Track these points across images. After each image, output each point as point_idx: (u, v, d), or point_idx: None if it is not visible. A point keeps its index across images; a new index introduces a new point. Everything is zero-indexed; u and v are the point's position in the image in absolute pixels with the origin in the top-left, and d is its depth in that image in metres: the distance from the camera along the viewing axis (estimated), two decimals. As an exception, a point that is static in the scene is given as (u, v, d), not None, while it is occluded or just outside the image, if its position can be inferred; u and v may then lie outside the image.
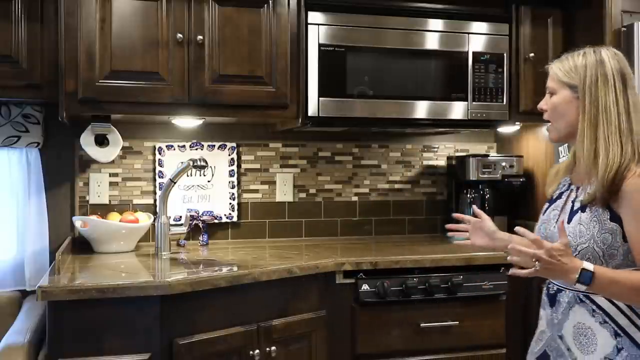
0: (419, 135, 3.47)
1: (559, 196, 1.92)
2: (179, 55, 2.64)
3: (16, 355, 2.08)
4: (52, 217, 2.90)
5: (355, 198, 3.39)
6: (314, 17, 2.81)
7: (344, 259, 2.61)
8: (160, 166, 3.08)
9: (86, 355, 2.05)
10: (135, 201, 3.07)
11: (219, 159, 3.17)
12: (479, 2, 3.03)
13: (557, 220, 1.85)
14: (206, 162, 2.76)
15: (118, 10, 2.56)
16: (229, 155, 3.19)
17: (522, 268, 1.69)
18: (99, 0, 2.54)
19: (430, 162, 3.51)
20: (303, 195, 3.32)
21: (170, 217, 2.91)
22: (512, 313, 2.80)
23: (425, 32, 2.95)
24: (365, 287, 2.59)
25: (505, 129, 3.39)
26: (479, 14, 3.03)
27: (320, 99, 2.81)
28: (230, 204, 3.18)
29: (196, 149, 3.14)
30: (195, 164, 2.72)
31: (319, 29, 2.81)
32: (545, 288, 1.94)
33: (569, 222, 1.80)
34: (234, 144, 3.20)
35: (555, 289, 1.87)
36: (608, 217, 1.74)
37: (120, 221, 2.84)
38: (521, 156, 3.37)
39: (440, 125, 3.10)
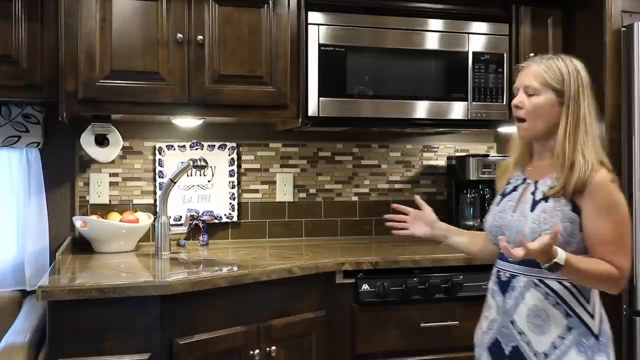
0: (419, 135, 3.47)
1: (514, 189, 2.04)
2: (179, 55, 2.64)
3: (16, 355, 2.08)
4: (52, 217, 2.90)
5: (355, 198, 3.39)
6: (314, 17, 2.81)
7: (344, 259, 2.61)
8: (161, 166, 3.08)
9: (86, 355, 2.05)
10: (136, 201, 3.07)
11: (219, 159, 3.17)
12: (479, 2, 3.03)
13: (515, 210, 1.97)
14: (206, 162, 2.76)
15: (118, 10, 2.56)
16: (229, 155, 3.19)
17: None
18: (99, 0, 2.54)
19: (430, 162, 3.51)
20: (303, 195, 3.32)
21: (170, 217, 2.91)
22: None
23: (425, 32, 2.95)
24: (365, 287, 2.59)
25: (505, 129, 3.39)
26: (479, 14, 3.03)
27: (320, 99, 2.81)
28: (230, 204, 3.18)
29: (196, 149, 3.14)
30: (195, 164, 2.72)
31: (319, 29, 2.81)
32: (494, 278, 2.04)
33: (531, 211, 1.92)
34: (234, 144, 3.20)
35: (508, 275, 1.97)
36: (570, 208, 1.88)
37: (120, 221, 2.84)
38: (521, 156, 3.36)
39: (440, 125, 3.10)
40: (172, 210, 3.03)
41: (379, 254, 2.77)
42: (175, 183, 2.80)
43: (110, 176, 3.04)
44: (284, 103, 2.79)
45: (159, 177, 3.07)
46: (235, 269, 2.43)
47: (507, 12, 3.09)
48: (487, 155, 3.35)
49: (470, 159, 3.27)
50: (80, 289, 2.03)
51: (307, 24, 2.81)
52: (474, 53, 3.00)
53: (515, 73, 2.07)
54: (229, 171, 3.19)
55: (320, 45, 2.81)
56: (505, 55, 3.05)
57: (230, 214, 3.18)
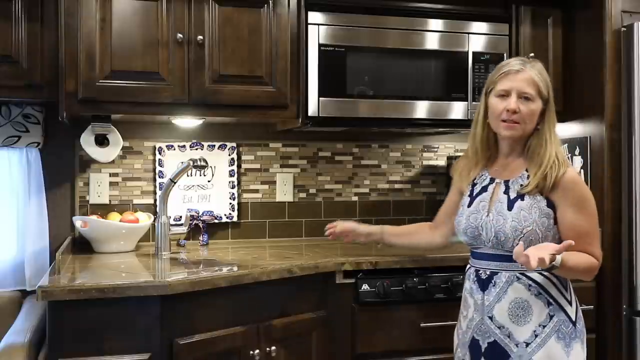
0: (419, 135, 3.47)
1: (483, 189, 2.14)
2: (179, 55, 2.64)
3: (16, 355, 2.08)
4: (52, 217, 2.90)
5: (355, 198, 3.39)
6: (314, 17, 2.81)
7: (344, 259, 2.61)
8: (161, 166, 3.08)
9: (86, 355, 2.05)
10: (136, 201, 3.07)
11: (219, 159, 3.17)
12: (479, 2, 3.03)
13: (488, 210, 2.08)
14: (206, 162, 2.76)
15: (118, 10, 2.56)
16: (229, 155, 3.19)
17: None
18: (99, 0, 2.54)
19: (430, 162, 3.51)
20: (303, 195, 3.32)
21: (170, 217, 2.91)
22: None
23: (425, 32, 2.95)
24: (365, 287, 2.59)
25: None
26: (479, 14, 3.03)
27: (320, 99, 2.81)
28: (230, 204, 3.18)
29: (196, 149, 3.14)
30: (195, 164, 2.72)
31: (319, 29, 2.81)
32: (472, 277, 2.13)
33: (509, 210, 2.04)
34: (234, 144, 3.20)
35: (488, 272, 2.09)
36: (545, 203, 2.03)
37: (120, 221, 2.84)
38: (521, 156, 3.36)
39: (441, 125, 3.10)
40: (172, 210, 3.03)
41: (379, 254, 2.77)
42: (175, 183, 2.80)
43: (110, 176, 3.04)
44: (284, 103, 2.79)
45: (159, 177, 3.07)
46: (235, 269, 2.43)
47: (507, 12, 3.09)
48: (487, 155, 3.35)
49: (470, 159, 3.27)
50: (80, 289, 2.03)
51: (307, 24, 2.81)
52: (474, 53, 3.00)
53: (497, 74, 2.12)
54: (229, 171, 3.19)
55: (320, 45, 2.81)
56: (505, 55, 3.04)
57: (230, 214, 3.18)
